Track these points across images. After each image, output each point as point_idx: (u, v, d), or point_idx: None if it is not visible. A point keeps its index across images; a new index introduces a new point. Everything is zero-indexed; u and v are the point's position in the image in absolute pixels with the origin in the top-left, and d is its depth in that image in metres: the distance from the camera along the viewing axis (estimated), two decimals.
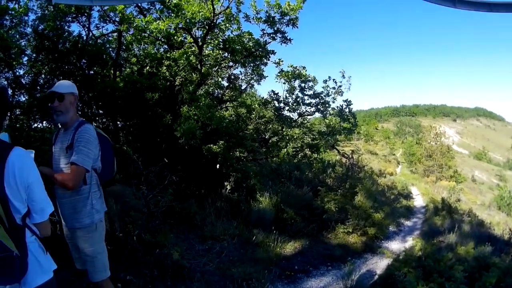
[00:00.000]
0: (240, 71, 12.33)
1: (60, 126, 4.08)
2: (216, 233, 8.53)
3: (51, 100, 3.87)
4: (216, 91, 12.73)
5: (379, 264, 9.11)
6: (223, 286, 6.52)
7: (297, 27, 11.36)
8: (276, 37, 11.50)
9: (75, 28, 13.14)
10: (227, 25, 11.34)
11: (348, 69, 14.77)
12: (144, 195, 8.04)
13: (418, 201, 23.98)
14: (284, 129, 11.45)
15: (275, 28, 11.29)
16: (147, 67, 11.40)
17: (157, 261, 6.78)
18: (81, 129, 3.78)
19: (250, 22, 11.46)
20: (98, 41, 12.22)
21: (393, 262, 8.75)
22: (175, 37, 11.12)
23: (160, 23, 10.61)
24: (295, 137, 11.46)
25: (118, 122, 12.10)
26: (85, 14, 11.75)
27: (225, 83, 12.68)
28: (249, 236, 8.77)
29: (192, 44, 11.50)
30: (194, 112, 9.82)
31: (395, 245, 11.07)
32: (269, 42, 11.61)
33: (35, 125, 11.35)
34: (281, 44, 11.59)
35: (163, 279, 6.36)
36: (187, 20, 10.46)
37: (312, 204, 11.06)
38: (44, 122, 11.41)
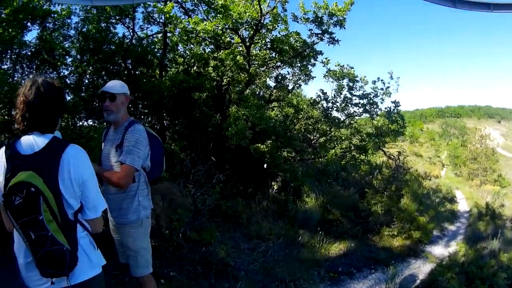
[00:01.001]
0: (287, 71, 12.26)
1: (110, 124, 4.13)
2: (262, 232, 8.49)
3: (103, 100, 3.91)
4: (262, 91, 12.72)
5: (422, 269, 8.90)
6: (266, 285, 6.46)
7: (344, 28, 11.20)
8: (324, 38, 11.37)
9: (119, 29, 13.48)
10: (274, 25, 11.27)
11: (393, 68, 14.55)
12: (191, 193, 8.06)
13: (462, 205, 23.39)
14: (332, 130, 11.32)
15: (323, 29, 11.17)
16: (194, 67, 11.45)
17: (201, 258, 6.79)
18: (132, 129, 3.80)
19: (297, 22, 11.38)
20: (143, 42, 12.38)
21: (436, 267, 8.54)
22: (223, 37, 11.10)
23: (207, 24, 10.65)
24: (343, 138, 11.34)
25: (165, 121, 12.21)
26: (129, 16, 11.96)
27: (272, 83, 12.62)
28: (294, 236, 8.68)
29: (239, 44, 11.49)
30: (243, 112, 9.81)
31: (439, 250, 10.79)
32: (316, 43, 11.50)
33: (80, 123, 11.62)
34: (328, 45, 11.49)
35: (207, 277, 6.36)
36: (234, 21, 10.49)
37: (358, 206, 10.90)
38: (89, 120, 11.68)
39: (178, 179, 8.49)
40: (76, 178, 2.51)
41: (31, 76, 2.83)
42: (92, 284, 2.65)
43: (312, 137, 11.94)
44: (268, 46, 11.47)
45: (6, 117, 10.02)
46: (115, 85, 3.97)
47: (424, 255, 9.74)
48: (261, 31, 11.31)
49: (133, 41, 12.06)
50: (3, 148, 2.60)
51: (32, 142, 2.53)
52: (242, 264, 7.05)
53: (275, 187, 10.21)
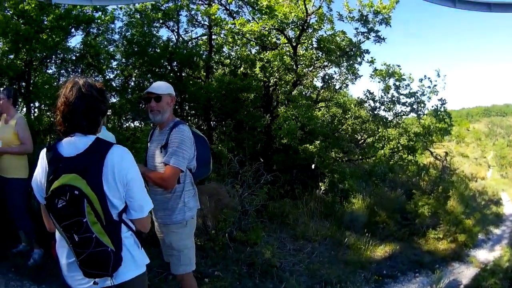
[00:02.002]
0: (334, 71, 12.19)
1: (156, 125, 4.16)
2: (308, 233, 8.44)
3: (148, 100, 3.94)
4: (309, 91, 12.63)
5: (465, 273, 8.62)
6: (311, 287, 6.43)
7: (390, 26, 11.07)
8: (369, 36, 11.27)
9: (163, 33, 13.69)
10: (320, 24, 11.24)
11: (438, 66, 14.24)
12: (238, 194, 8.12)
13: (508, 208, 22.72)
14: (380, 130, 11.21)
15: (368, 27, 11.08)
16: (241, 68, 11.48)
17: (247, 258, 6.80)
18: (176, 130, 3.80)
19: (343, 21, 11.29)
20: (188, 44, 12.52)
21: (480, 272, 8.38)
22: (269, 38, 11.14)
23: (253, 25, 10.72)
24: (391, 138, 11.17)
25: (212, 122, 12.36)
26: (174, 19, 12.14)
27: (319, 84, 12.55)
28: (341, 238, 8.62)
29: (286, 44, 11.49)
30: (292, 112, 9.79)
31: (483, 254, 10.43)
32: (363, 41, 11.40)
33: (126, 124, 11.88)
34: (374, 43, 11.36)
35: (251, 277, 6.37)
36: (280, 21, 10.50)
37: (405, 207, 10.70)
38: (136, 122, 11.95)
39: (226, 179, 8.54)
40: (120, 179, 2.49)
41: (71, 78, 2.67)
42: (136, 283, 2.67)
43: (359, 137, 11.89)
44: (315, 46, 11.40)
45: (52, 119, 10.35)
46: (160, 86, 4.01)
47: (468, 259, 9.48)
48: (307, 31, 11.26)
49: (178, 43, 12.22)
50: (44, 150, 2.59)
51: (74, 143, 2.51)
52: (287, 265, 7.02)
53: (322, 188, 10.16)
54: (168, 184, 3.70)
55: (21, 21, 9.67)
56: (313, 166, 10.24)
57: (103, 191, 2.39)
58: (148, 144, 4.19)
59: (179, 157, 3.69)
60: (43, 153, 2.57)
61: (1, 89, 6.77)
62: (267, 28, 10.96)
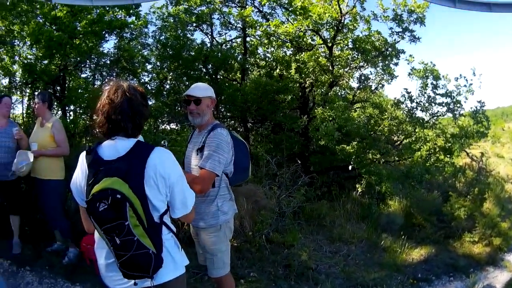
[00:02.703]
0: (370, 71, 12.18)
1: (195, 127, 4.16)
2: (344, 235, 8.46)
3: (187, 103, 3.93)
4: (345, 92, 12.69)
5: (499, 278, 8.42)
6: None
7: (424, 25, 11.03)
8: (404, 36, 11.20)
9: (197, 36, 14.01)
10: (354, 24, 11.25)
11: (473, 65, 14.04)
12: (276, 195, 8.22)
13: None
14: (417, 131, 11.07)
15: (403, 27, 11.02)
16: (277, 70, 11.57)
17: (283, 260, 6.86)
18: (214, 133, 3.76)
19: (377, 20, 11.31)
20: (222, 47, 12.66)
21: None
22: (304, 39, 11.20)
23: (288, 26, 10.79)
24: (427, 139, 11.01)
25: (248, 124, 12.51)
26: (207, 22, 12.31)
27: (354, 84, 12.58)
28: (377, 240, 8.61)
29: (321, 45, 11.52)
30: (329, 114, 9.83)
31: None
32: (398, 41, 11.35)
33: (162, 127, 12.11)
34: (410, 43, 11.30)
35: (287, 279, 6.40)
36: (315, 22, 10.53)
37: (441, 210, 10.59)
38: (172, 124, 12.17)
39: (263, 181, 8.64)
40: (163, 181, 2.50)
41: (113, 81, 2.70)
42: (175, 284, 2.68)
43: (396, 139, 11.85)
44: (350, 46, 11.42)
45: (87, 122, 10.60)
46: (200, 88, 3.98)
47: (503, 263, 9.39)
48: (342, 31, 11.26)
49: (213, 46, 12.41)
50: (84, 154, 2.61)
51: (115, 146, 2.53)
52: (323, 267, 7.04)
53: (359, 189, 10.17)
54: (201, 188, 3.66)
55: (54, 28, 9.97)
56: (350, 168, 10.28)
57: (145, 194, 2.41)
58: (188, 145, 4.18)
59: (214, 161, 3.66)
60: (82, 156, 2.61)
61: (36, 93, 7.05)
62: (302, 29, 10.97)
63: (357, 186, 10.22)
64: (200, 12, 12.09)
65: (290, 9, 11.24)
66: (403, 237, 8.62)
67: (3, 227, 6.51)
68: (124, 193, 2.29)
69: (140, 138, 2.71)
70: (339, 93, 12.22)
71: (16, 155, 5.87)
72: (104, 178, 2.34)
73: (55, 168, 6.07)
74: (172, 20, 12.15)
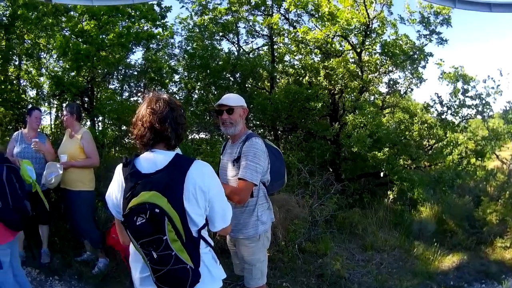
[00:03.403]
0: (398, 76, 12.17)
1: (228, 138, 4.20)
2: (377, 243, 8.47)
3: (220, 113, 3.93)
4: (375, 97, 12.69)
5: None
6: None
7: (451, 26, 11.00)
8: (432, 39, 11.22)
9: (224, 45, 14.22)
10: (382, 29, 11.28)
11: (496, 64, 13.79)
12: (308, 204, 8.22)
13: None
14: (448, 135, 10.99)
15: (430, 29, 11.05)
16: (306, 77, 11.61)
17: (316, 269, 6.87)
18: (249, 143, 3.75)
19: (404, 23, 11.32)
20: (250, 55, 12.87)
21: None
22: (333, 45, 11.23)
23: (317, 33, 10.88)
24: (458, 143, 10.94)
25: (279, 132, 12.60)
26: (233, 31, 12.58)
27: (383, 89, 12.58)
28: (409, 247, 8.59)
29: (350, 51, 11.56)
30: (360, 120, 9.84)
31: None
32: (425, 44, 11.35)
33: (191, 136, 12.33)
34: (437, 45, 11.30)
35: None
36: (343, 28, 10.56)
37: (473, 215, 10.41)
38: (201, 133, 12.38)
39: (295, 189, 8.65)
40: (202, 195, 2.47)
41: (151, 94, 2.69)
42: None
43: (427, 143, 11.75)
44: (379, 51, 11.44)
45: (116, 132, 10.83)
46: (232, 98, 4.01)
47: None
48: (371, 36, 11.30)
49: (240, 55, 12.61)
50: (120, 166, 2.60)
51: (153, 159, 2.51)
52: (355, 276, 7.05)
53: (391, 196, 10.14)
54: (240, 199, 3.66)
55: (80, 40, 10.22)
56: (381, 174, 10.25)
57: (183, 208, 2.38)
58: (221, 156, 4.19)
59: (252, 171, 3.65)
60: (119, 169, 2.61)
61: (65, 105, 7.31)
62: (330, 35, 11.02)
63: (388, 193, 10.20)
64: (225, 21, 12.29)
65: (317, 16, 11.30)
66: (435, 244, 8.59)
67: (32, 237, 6.50)
68: (163, 207, 2.26)
69: (178, 150, 2.74)
70: (369, 99, 12.26)
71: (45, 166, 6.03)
72: (142, 191, 2.32)
73: (85, 179, 6.16)
74: (197, 30, 12.37)
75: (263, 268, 4.05)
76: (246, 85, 12.40)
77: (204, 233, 2.63)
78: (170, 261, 2.30)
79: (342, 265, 7.16)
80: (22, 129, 6.73)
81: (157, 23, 11.89)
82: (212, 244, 2.70)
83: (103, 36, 10.52)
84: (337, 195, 8.77)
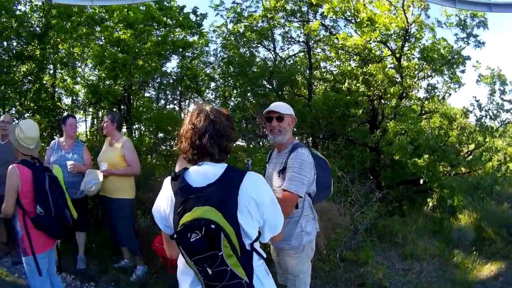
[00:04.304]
0: (437, 80, 12.15)
1: (274, 146, 4.15)
2: (417, 252, 8.44)
3: (269, 120, 3.89)
4: (413, 103, 12.64)
5: None
6: None
7: (487, 28, 10.99)
8: (469, 42, 11.18)
9: (260, 52, 14.31)
10: (421, 33, 11.30)
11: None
12: (350, 212, 8.26)
13: None
14: (487, 140, 10.86)
15: (467, 32, 11.02)
16: (345, 84, 11.64)
17: (357, 278, 6.90)
18: (295, 153, 3.69)
19: (442, 27, 11.34)
20: (286, 62, 12.99)
21: None
22: (372, 51, 11.26)
23: (357, 39, 10.91)
24: (498, 148, 10.90)
25: (317, 140, 12.67)
26: (269, 38, 12.75)
27: (422, 94, 12.50)
28: (448, 256, 8.55)
29: (389, 56, 11.57)
30: (401, 127, 9.85)
31: None
32: (463, 48, 11.32)
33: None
34: (475, 48, 11.30)
35: None
36: (382, 33, 10.63)
37: (511, 222, 10.24)
38: (238, 141, 12.60)
39: (336, 197, 8.65)
40: (256, 207, 2.40)
41: (196, 105, 2.62)
42: None
43: (466, 149, 11.65)
44: (418, 56, 11.41)
45: (152, 140, 11.03)
46: (283, 106, 3.95)
47: None
48: (409, 40, 11.28)
49: (276, 62, 12.77)
50: (168, 180, 2.54)
51: (203, 173, 2.46)
52: (396, 285, 7.10)
53: (430, 204, 10.13)
54: (285, 210, 3.34)
55: (117, 49, 10.44)
56: (421, 181, 10.19)
57: (238, 222, 2.31)
58: (266, 166, 4.18)
59: (298, 183, 3.60)
60: (167, 183, 2.55)
61: (106, 113, 7.23)
62: (371, 41, 11.06)
63: (428, 201, 10.19)
64: (261, 28, 12.49)
65: (356, 21, 11.36)
66: (474, 252, 8.56)
67: (68, 243, 6.62)
68: (218, 223, 2.19)
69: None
70: (408, 105, 12.25)
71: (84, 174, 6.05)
72: (195, 207, 2.25)
73: (126, 187, 6.20)
74: (233, 38, 12.61)
75: (307, 279, 4.02)
76: (284, 92, 12.51)
77: (257, 245, 2.55)
78: (225, 277, 2.25)
79: (383, 274, 7.21)
80: (59, 137, 6.84)
81: (194, 31, 12.10)
82: (265, 256, 2.63)
83: (140, 44, 10.70)
84: (377, 203, 8.75)
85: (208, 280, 2.27)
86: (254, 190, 2.40)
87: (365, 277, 6.98)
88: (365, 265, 7.48)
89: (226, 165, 2.52)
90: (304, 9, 12.56)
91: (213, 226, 2.17)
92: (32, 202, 4.11)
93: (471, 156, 11.37)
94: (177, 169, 4.81)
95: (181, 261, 2.59)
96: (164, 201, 2.54)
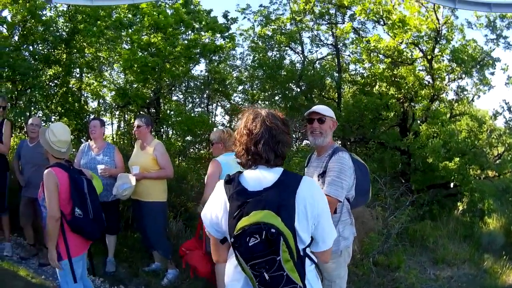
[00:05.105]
0: (466, 83, 12.11)
1: (314, 149, 4.08)
2: (448, 256, 8.41)
3: (310, 122, 3.83)
4: (444, 105, 12.47)
5: None
6: None
7: None
8: (499, 43, 11.16)
9: (288, 55, 14.27)
10: (451, 35, 11.25)
11: None
12: (384, 216, 8.25)
13: None
14: None
15: (497, 33, 10.98)
16: (376, 86, 11.66)
17: (389, 283, 6.89)
18: (336, 157, 3.64)
19: (472, 28, 11.31)
20: (315, 65, 13.00)
21: None
22: (403, 53, 11.26)
23: (389, 41, 10.94)
24: None
25: (348, 143, 12.48)
26: (297, 41, 12.69)
27: (452, 97, 12.40)
28: (478, 261, 8.49)
29: (420, 58, 11.53)
30: (433, 130, 9.83)
31: None
32: (493, 49, 11.29)
33: None
34: (504, 50, 11.25)
35: None
36: (414, 34, 10.63)
37: None
38: None
39: (369, 201, 8.76)
40: (312, 212, 2.35)
41: (250, 109, 2.56)
42: None
43: (496, 152, 11.58)
44: (448, 57, 11.35)
45: (182, 143, 11.14)
46: (324, 108, 3.87)
47: None
48: (440, 42, 11.24)
49: (305, 65, 12.76)
50: (222, 183, 2.49)
51: (259, 177, 2.41)
52: None
53: (460, 208, 10.09)
54: None
55: (146, 53, 10.46)
56: (451, 185, 10.15)
57: (294, 227, 2.27)
58: (305, 169, 4.11)
59: (337, 187, 3.53)
60: (220, 186, 2.49)
61: (138, 116, 6.90)
62: (404, 43, 11.06)
63: (458, 204, 10.15)
64: (289, 31, 12.54)
65: (384, 23, 11.38)
66: (504, 257, 8.45)
67: (97, 246, 6.39)
68: (279, 227, 2.15)
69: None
70: (438, 107, 12.13)
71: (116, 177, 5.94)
72: (253, 211, 2.21)
73: (159, 191, 6.11)
74: (260, 42, 12.70)
75: (343, 284, 3.96)
76: (313, 95, 12.51)
77: (308, 250, 2.50)
78: (281, 282, 2.21)
79: (416, 279, 7.16)
80: (89, 140, 6.69)
81: (225, 34, 12.10)
82: (316, 261, 2.58)
83: (170, 48, 10.72)
84: (409, 206, 8.74)
85: (264, 285, 2.23)
86: (310, 196, 2.37)
87: (397, 282, 6.99)
88: (397, 269, 7.46)
89: (282, 169, 2.47)
90: (332, 11, 12.62)
91: (273, 230, 2.13)
92: (69, 204, 4.05)
93: (499, 159, 11.34)
94: (208, 174, 4.91)
95: (230, 267, 2.55)
96: (217, 205, 2.48)
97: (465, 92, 12.16)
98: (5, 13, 10.11)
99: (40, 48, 10.50)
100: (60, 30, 10.82)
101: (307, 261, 2.46)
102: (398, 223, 8.21)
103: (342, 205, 3.73)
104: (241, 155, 2.49)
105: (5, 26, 9.84)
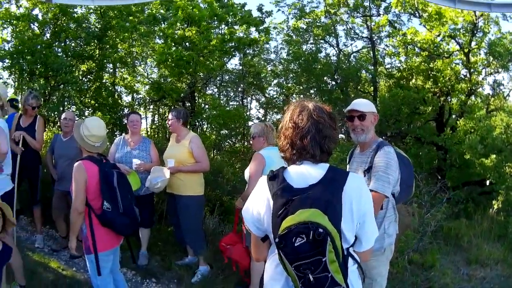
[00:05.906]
0: (502, 77, 11.91)
1: (356, 145, 3.95)
2: (481, 256, 8.18)
3: (351, 119, 3.72)
4: (480, 100, 12.31)
5: None
6: None
7: None
8: None
9: (323, 48, 14.10)
10: (488, 27, 10.96)
11: None
12: (420, 214, 8.05)
13: None
14: None
15: None
16: (413, 80, 11.49)
17: (422, 282, 6.74)
18: (382, 152, 3.52)
19: (507, 20, 11.24)
20: (351, 58, 12.97)
21: None
22: (440, 46, 11.06)
23: (426, 33, 10.77)
24: None
25: (384, 137, 12.46)
26: (332, 34, 12.62)
27: (488, 91, 12.20)
28: (511, 262, 8.19)
29: (457, 51, 11.34)
30: (471, 125, 9.69)
31: None
32: None
33: None
34: None
35: None
36: (452, 27, 10.47)
37: None
38: None
39: None
40: (358, 211, 2.24)
41: (296, 101, 2.46)
42: None
43: None
44: (485, 51, 11.11)
45: (218, 138, 11.13)
46: (364, 103, 3.77)
47: None
48: (477, 35, 11.00)
49: (339, 58, 12.71)
50: (265, 179, 2.37)
51: (304, 173, 2.28)
52: None
53: (495, 206, 9.83)
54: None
55: (178, 47, 10.44)
56: (487, 182, 9.98)
57: (340, 227, 2.17)
58: (348, 165, 4.03)
59: (384, 183, 3.42)
60: (263, 182, 2.38)
61: (171, 110, 6.85)
62: (441, 36, 10.88)
63: (493, 203, 9.92)
64: (324, 24, 12.47)
65: (421, 15, 11.21)
66: None
67: (130, 239, 6.09)
68: (326, 226, 2.04)
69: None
70: (475, 102, 11.92)
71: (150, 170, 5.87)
72: (299, 209, 2.09)
73: (195, 184, 5.98)
74: (294, 36, 12.64)
75: (383, 283, 3.84)
76: (348, 89, 12.45)
77: (351, 249, 2.41)
78: (325, 283, 2.10)
79: (451, 279, 7.00)
80: (125, 134, 6.61)
81: (261, 28, 12.03)
82: (359, 260, 2.49)
83: (204, 41, 10.68)
84: (445, 204, 8.58)
85: (307, 287, 2.11)
86: (357, 193, 2.24)
87: (432, 281, 6.83)
88: (431, 268, 7.31)
89: (328, 165, 2.34)
90: (367, 3, 12.47)
91: (321, 230, 2.01)
92: (98, 198, 3.98)
93: None
94: (251, 169, 4.89)
95: (270, 266, 2.46)
96: (260, 202, 2.36)
97: (501, 87, 11.95)
98: (36, 11, 10.27)
99: (73, 44, 10.65)
100: (92, 27, 10.92)
101: (350, 260, 2.37)
102: (433, 220, 7.98)
103: (388, 201, 3.61)
104: (285, 149, 2.38)
105: (36, 24, 10.01)
